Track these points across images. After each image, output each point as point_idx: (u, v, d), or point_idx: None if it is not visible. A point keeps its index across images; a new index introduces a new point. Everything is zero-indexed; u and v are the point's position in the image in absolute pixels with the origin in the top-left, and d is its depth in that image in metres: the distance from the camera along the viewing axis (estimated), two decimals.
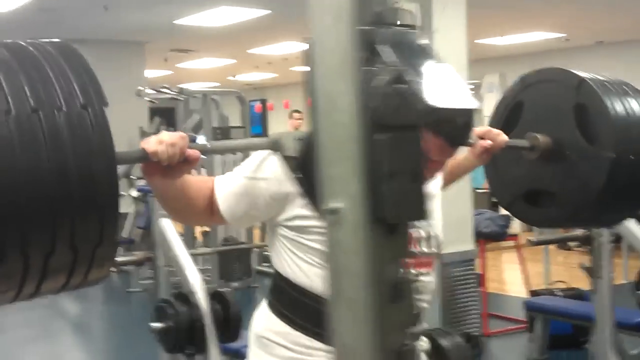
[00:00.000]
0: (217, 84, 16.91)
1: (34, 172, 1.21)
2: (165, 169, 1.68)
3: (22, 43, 1.35)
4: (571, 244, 9.23)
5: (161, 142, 1.63)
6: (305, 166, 1.11)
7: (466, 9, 6.12)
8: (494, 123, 2.35)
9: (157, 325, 3.67)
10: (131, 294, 8.63)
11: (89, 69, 1.35)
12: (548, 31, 11.56)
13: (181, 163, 1.67)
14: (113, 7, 8.56)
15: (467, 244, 6.07)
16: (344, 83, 0.96)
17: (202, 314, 3.77)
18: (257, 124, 11.89)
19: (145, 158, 1.62)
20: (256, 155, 1.96)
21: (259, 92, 16.39)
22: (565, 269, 8.54)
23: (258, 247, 8.74)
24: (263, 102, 17.82)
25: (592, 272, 4.41)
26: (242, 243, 8.82)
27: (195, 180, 1.92)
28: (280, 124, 14.63)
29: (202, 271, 4.58)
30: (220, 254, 8.16)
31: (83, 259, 1.31)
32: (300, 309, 1.97)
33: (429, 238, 2.05)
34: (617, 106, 2.08)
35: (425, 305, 2.06)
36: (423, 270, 2.03)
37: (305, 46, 1.02)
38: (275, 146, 1.93)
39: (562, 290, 6.25)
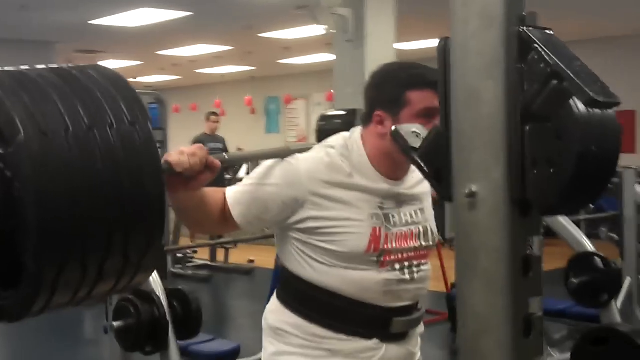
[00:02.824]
0: None
1: (92, 185, 1.28)
2: (187, 181, 1.80)
3: (67, 68, 1.44)
4: None
5: (182, 152, 1.76)
6: (427, 156, 1.23)
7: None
8: None
9: (117, 323, 3.67)
10: None
11: (131, 88, 1.43)
12: None
13: (202, 173, 1.80)
14: (31, 6, 8.37)
15: None
16: (492, 80, 1.08)
17: (164, 312, 3.80)
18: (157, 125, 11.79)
19: (170, 170, 1.73)
20: (265, 164, 2.11)
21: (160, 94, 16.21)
22: None
23: (172, 250, 8.70)
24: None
25: None
26: None
27: (209, 191, 2.04)
28: (183, 127, 14.49)
29: None
30: None
31: (132, 265, 1.38)
32: (313, 303, 2.12)
33: (426, 232, 2.20)
34: None
35: (424, 292, 2.22)
36: (422, 261, 2.19)
37: None
38: (286, 154, 2.02)
39: None
